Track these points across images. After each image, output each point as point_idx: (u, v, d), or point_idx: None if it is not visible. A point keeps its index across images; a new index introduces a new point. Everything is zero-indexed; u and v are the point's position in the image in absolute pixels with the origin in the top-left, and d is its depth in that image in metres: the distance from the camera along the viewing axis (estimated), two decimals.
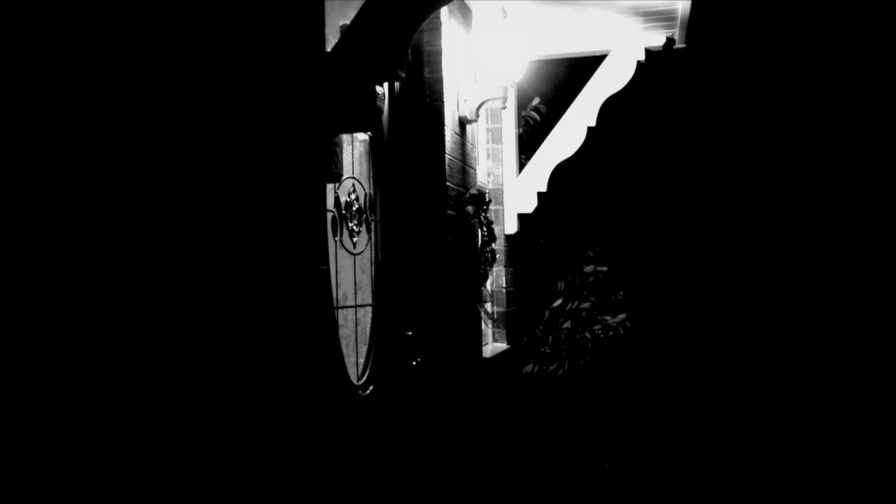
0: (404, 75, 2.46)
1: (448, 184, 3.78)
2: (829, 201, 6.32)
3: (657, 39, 4.91)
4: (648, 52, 4.95)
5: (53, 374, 1.50)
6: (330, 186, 2.97)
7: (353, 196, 3.16)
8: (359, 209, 3.20)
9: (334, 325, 2.78)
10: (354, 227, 3.17)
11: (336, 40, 2.59)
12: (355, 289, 3.23)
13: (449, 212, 3.77)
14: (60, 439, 1.49)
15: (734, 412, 5.71)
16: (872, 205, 6.25)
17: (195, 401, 1.86)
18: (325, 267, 2.46)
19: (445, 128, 3.79)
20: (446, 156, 3.78)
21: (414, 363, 3.47)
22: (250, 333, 2.09)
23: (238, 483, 2.00)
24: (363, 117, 2.36)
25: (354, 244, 3.17)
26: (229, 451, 1.97)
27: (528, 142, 5.36)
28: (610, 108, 5.00)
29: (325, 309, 2.58)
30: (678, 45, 4.98)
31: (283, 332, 2.27)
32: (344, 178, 3.10)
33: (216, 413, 1.93)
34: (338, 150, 2.39)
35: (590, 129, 5.02)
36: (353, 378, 3.10)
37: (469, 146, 4.26)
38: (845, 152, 6.37)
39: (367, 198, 3.30)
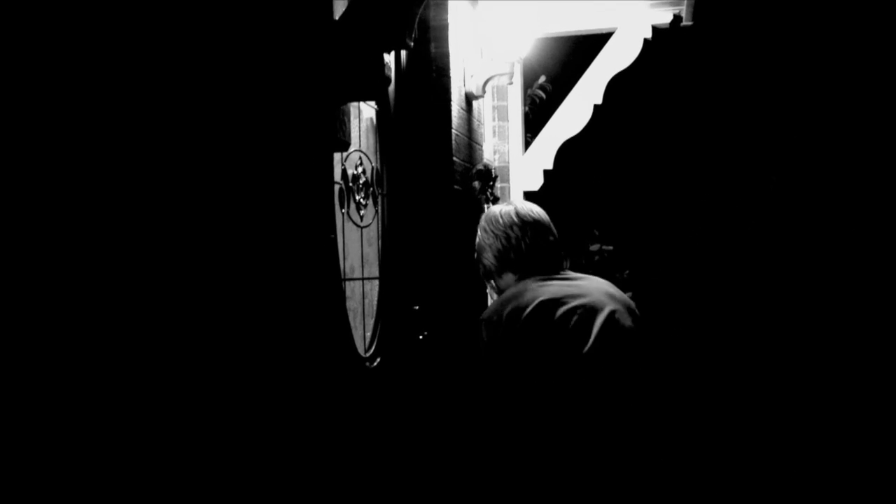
0: (412, 44, 2.45)
1: (455, 159, 3.78)
2: (834, 186, 6.30)
3: (664, 17, 4.89)
4: (655, 29, 4.94)
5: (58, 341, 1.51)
6: (337, 159, 2.98)
7: (359, 169, 3.16)
8: (366, 182, 3.21)
9: (342, 296, 2.78)
10: (361, 200, 3.18)
11: (344, 8, 2.59)
12: (362, 262, 3.23)
13: (455, 187, 3.77)
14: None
15: (738, 393, 5.71)
16: (878, 191, 6.23)
17: (202, 371, 1.87)
18: (333, 235, 2.47)
19: (452, 103, 3.79)
20: (453, 131, 3.77)
21: (421, 337, 3.49)
22: (258, 302, 2.10)
23: (244, 454, 2.01)
24: (370, 85, 2.36)
25: (361, 217, 3.18)
26: (235, 421, 1.98)
27: (535, 120, 5.35)
28: (616, 85, 4.99)
29: (332, 278, 2.59)
30: (685, 23, 4.96)
31: (290, 302, 2.27)
32: (351, 150, 3.10)
33: (223, 383, 1.94)
34: (345, 118, 2.40)
35: (596, 106, 5.01)
36: (361, 350, 3.12)
37: (475, 122, 4.26)
38: (852, 137, 6.35)
39: (374, 171, 3.30)
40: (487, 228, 2.76)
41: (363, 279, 3.21)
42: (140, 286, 1.67)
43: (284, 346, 2.21)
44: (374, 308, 3.31)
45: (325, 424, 2.45)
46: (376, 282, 3.34)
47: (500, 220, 2.74)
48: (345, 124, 2.37)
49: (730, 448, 5.22)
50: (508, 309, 2.55)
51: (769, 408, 5.59)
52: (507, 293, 2.64)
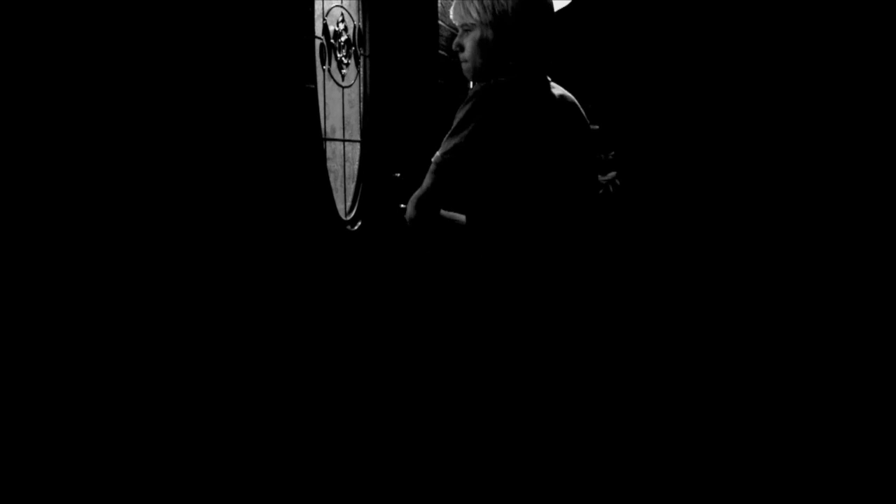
0: None
1: (440, 23, 3.65)
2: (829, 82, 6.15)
3: None
4: None
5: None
6: (317, 13, 2.86)
7: (341, 26, 3.05)
8: (347, 40, 3.10)
9: (322, 153, 2.72)
10: (343, 59, 3.07)
11: None
12: (343, 124, 3.15)
13: (440, 52, 3.66)
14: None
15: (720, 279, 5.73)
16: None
17: (178, 226, 1.82)
18: (312, 86, 2.38)
19: None
20: None
21: (402, 206, 3.44)
22: (235, 154, 2.03)
23: (224, 311, 1.99)
24: None
25: (343, 76, 3.08)
26: (212, 281, 1.95)
27: None
28: None
29: (312, 132, 2.51)
30: None
31: (269, 154, 2.21)
32: (332, 5, 2.98)
33: (200, 239, 1.89)
34: None
35: None
36: (342, 213, 3.07)
37: None
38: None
39: (357, 30, 3.19)
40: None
41: (344, 141, 3.14)
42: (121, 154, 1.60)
43: (263, 202, 2.15)
44: (355, 172, 3.25)
45: (305, 285, 2.42)
46: (358, 145, 3.27)
47: None
48: None
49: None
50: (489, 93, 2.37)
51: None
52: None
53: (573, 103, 2.66)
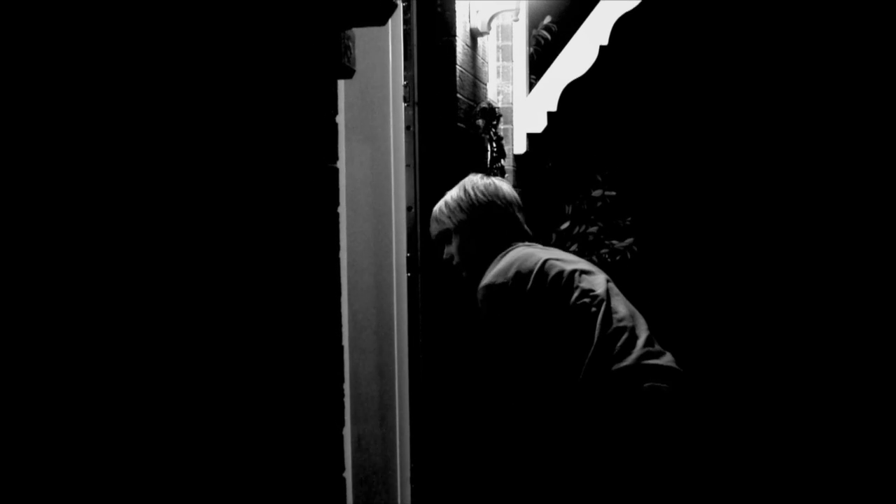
0: None
1: (459, 96, 3.69)
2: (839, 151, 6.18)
3: None
4: None
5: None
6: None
7: None
8: None
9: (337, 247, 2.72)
10: None
11: None
12: None
13: (459, 125, 3.69)
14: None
15: (737, 334, 5.69)
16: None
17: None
18: (334, 165, 2.39)
19: (457, 38, 3.69)
20: (457, 67, 3.68)
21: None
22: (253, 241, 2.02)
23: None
24: (377, 9, 2.27)
25: None
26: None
27: (539, 62, 5.24)
28: (623, 25, 4.88)
29: (329, 208, 2.52)
30: None
31: (287, 229, 2.20)
32: None
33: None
34: (351, 44, 2.30)
35: (602, 48, 4.90)
36: None
37: (480, 60, 4.16)
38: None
39: None
40: (463, 206, 2.78)
41: None
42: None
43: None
44: None
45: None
46: None
47: (478, 193, 2.80)
48: (350, 50, 2.28)
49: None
50: (513, 271, 2.59)
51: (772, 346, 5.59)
52: (504, 261, 2.66)
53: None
